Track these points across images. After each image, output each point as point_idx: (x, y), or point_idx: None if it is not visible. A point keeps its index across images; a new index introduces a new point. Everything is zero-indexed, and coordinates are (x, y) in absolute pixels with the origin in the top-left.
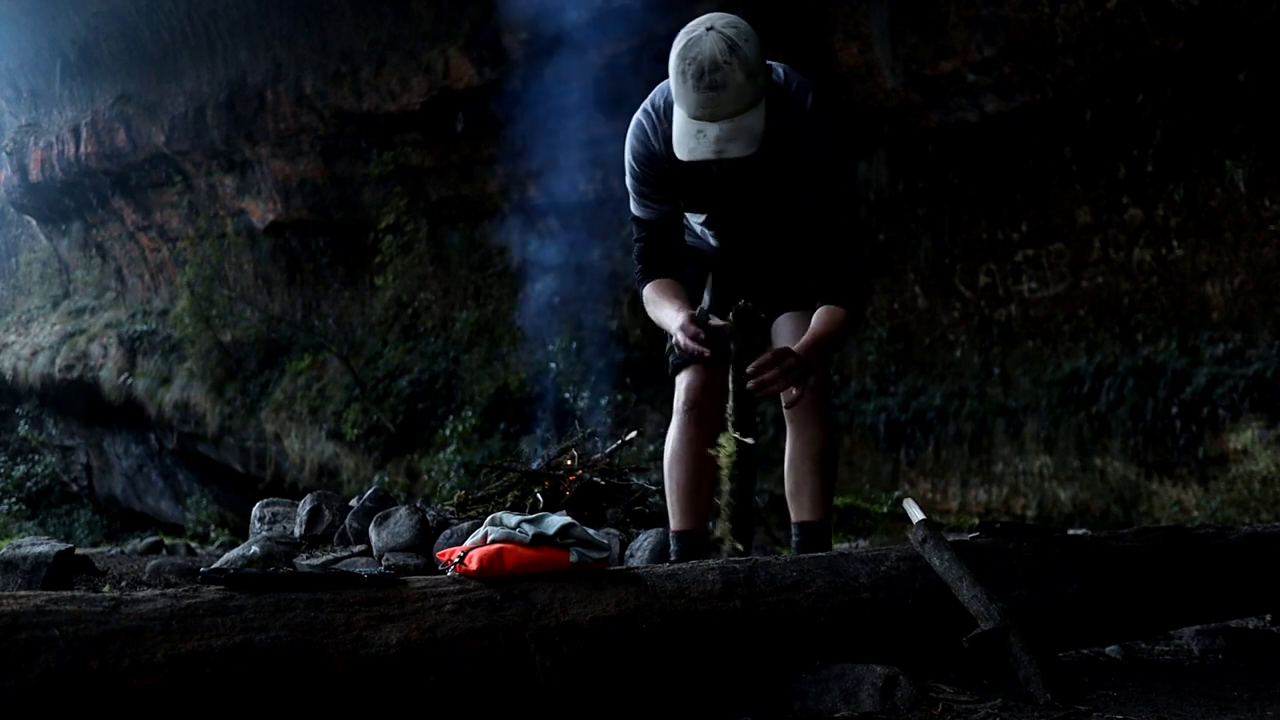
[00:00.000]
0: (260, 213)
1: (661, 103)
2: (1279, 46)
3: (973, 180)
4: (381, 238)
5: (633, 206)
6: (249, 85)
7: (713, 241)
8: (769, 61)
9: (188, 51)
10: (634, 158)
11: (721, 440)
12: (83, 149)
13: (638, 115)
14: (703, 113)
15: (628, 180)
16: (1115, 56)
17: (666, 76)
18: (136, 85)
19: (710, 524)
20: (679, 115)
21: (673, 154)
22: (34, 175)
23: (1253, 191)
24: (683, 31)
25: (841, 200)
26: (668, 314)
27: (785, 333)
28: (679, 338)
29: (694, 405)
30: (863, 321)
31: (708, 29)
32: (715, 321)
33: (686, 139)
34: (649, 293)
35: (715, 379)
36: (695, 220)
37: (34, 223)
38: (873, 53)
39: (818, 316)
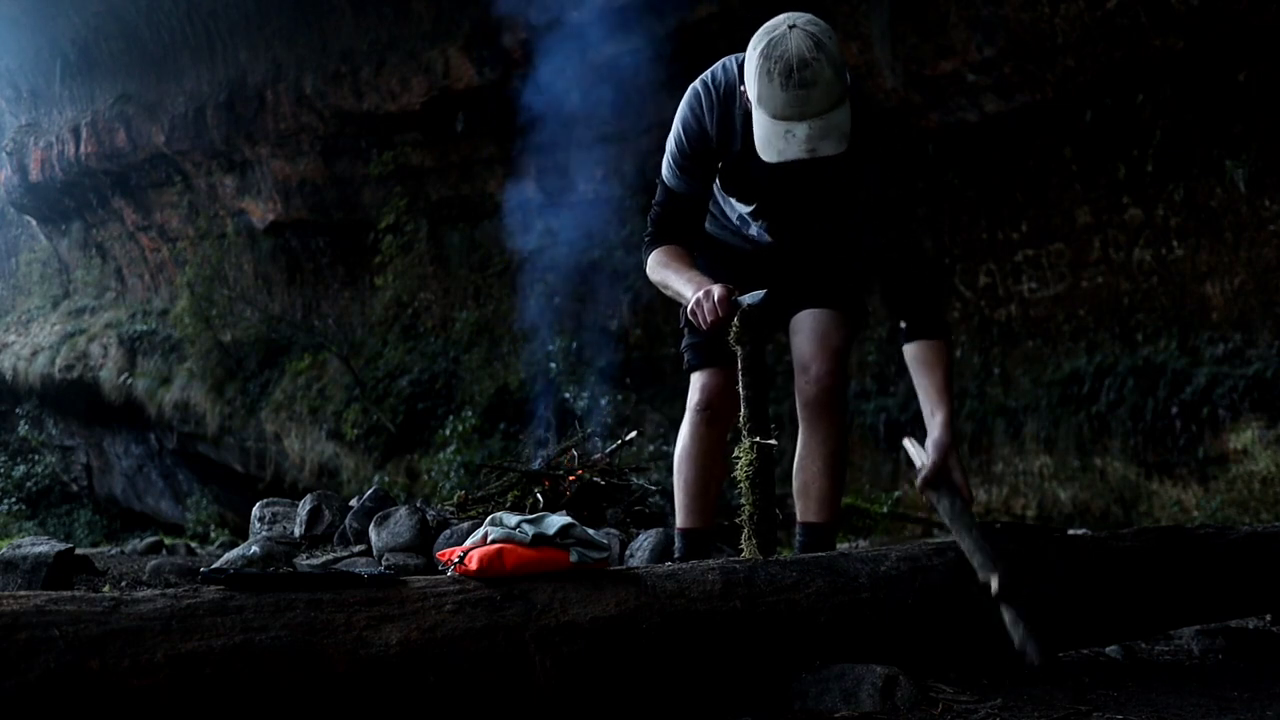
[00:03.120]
0: (260, 213)
1: (724, 82)
2: (1279, 46)
3: (973, 180)
4: (381, 238)
5: (665, 173)
6: (249, 85)
7: (752, 232)
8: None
9: (188, 51)
10: (685, 129)
11: (739, 450)
12: (83, 149)
13: (695, 86)
14: (791, 112)
15: (670, 147)
16: (1115, 56)
17: (667, 77)
18: (136, 85)
19: (716, 523)
20: (761, 117)
21: (720, 138)
22: (34, 175)
23: (1253, 191)
24: (761, 31)
25: (910, 215)
26: (681, 276)
27: (805, 329)
28: (697, 297)
29: (708, 405)
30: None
31: (790, 27)
32: (742, 300)
33: (774, 140)
34: (658, 256)
35: (731, 379)
36: (741, 209)
37: (34, 223)
38: (873, 53)
39: (924, 358)
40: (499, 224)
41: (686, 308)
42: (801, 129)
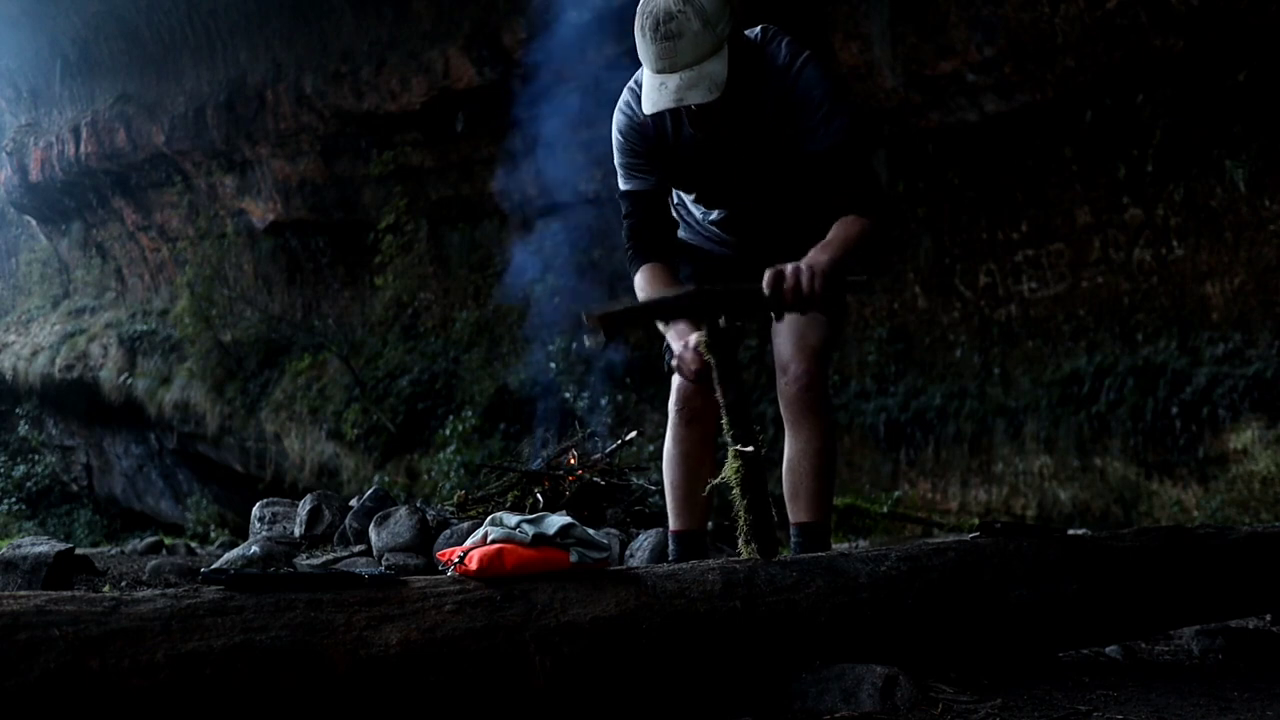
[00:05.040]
0: (260, 213)
1: (642, 76)
2: (1279, 46)
3: (973, 180)
4: (381, 238)
5: (620, 182)
6: (249, 85)
7: (712, 224)
8: (760, 27)
9: (188, 51)
10: (619, 129)
11: (728, 456)
12: (83, 149)
13: (624, 92)
14: (662, 65)
15: (615, 157)
16: (1115, 56)
17: None
18: (136, 85)
19: (709, 524)
20: (644, 73)
21: (658, 122)
22: (34, 175)
23: (1253, 191)
24: None
25: (851, 128)
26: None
27: (783, 330)
28: (679, 353)
29: (684, 404)
30: (889, 238)
31: None
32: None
33: (651, 92)
34: (641, 280)
35: (708, 377)
36: (691, 204)
37: (34, 223)
38: (873, 52)
39: (835, 227)
40: (499, 224)
41: (670, 358)
42: (673, 80)
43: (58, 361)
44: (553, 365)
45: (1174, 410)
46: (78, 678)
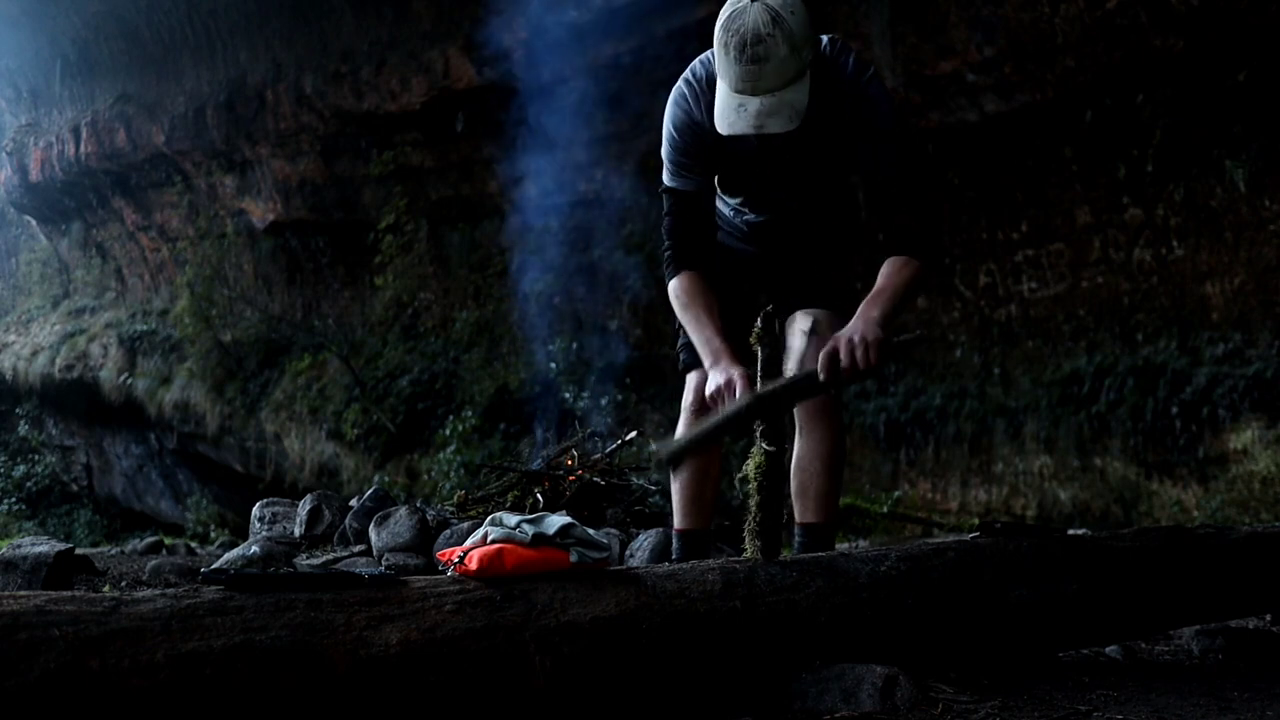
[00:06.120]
0: (260, 213)
1: (704, 73)
2: (1279, 46)
3: (973, 180)
4: (381, 238)
5: (666, 178)
6: (249, 85)
7: (744, 224)
8: (828, 38)
9: (188, 51)
10: (674, 125)
11: (752, 451)
12: (83, 149)
13: (679, 84)
14: (744, 86)
15: (665, 150)
16: (1115, 56)
17: (667, 77)
18: (136, 85)
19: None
20: (721, 88)
21: (712, 124)
22: (34, 175)
23: (1253, 191)
24: (728, 3)
25: (910, 156)
26: (701, 334)
27: (801, 330)
28: (718, 385)
29: (701, 406)
30: (934, 276)
31: (752, 0)
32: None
33: (727, 112)
34: (680, 288)
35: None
36: (731, 203)
37: (34, 223)
38: (873, 53)
39: (886, 269)
40: (499, 224)
41: (686, 356)
42: (753, 103)
43: (58, 361)
44: (553, 365)
45: (1174, 410)
46: (78, 678)
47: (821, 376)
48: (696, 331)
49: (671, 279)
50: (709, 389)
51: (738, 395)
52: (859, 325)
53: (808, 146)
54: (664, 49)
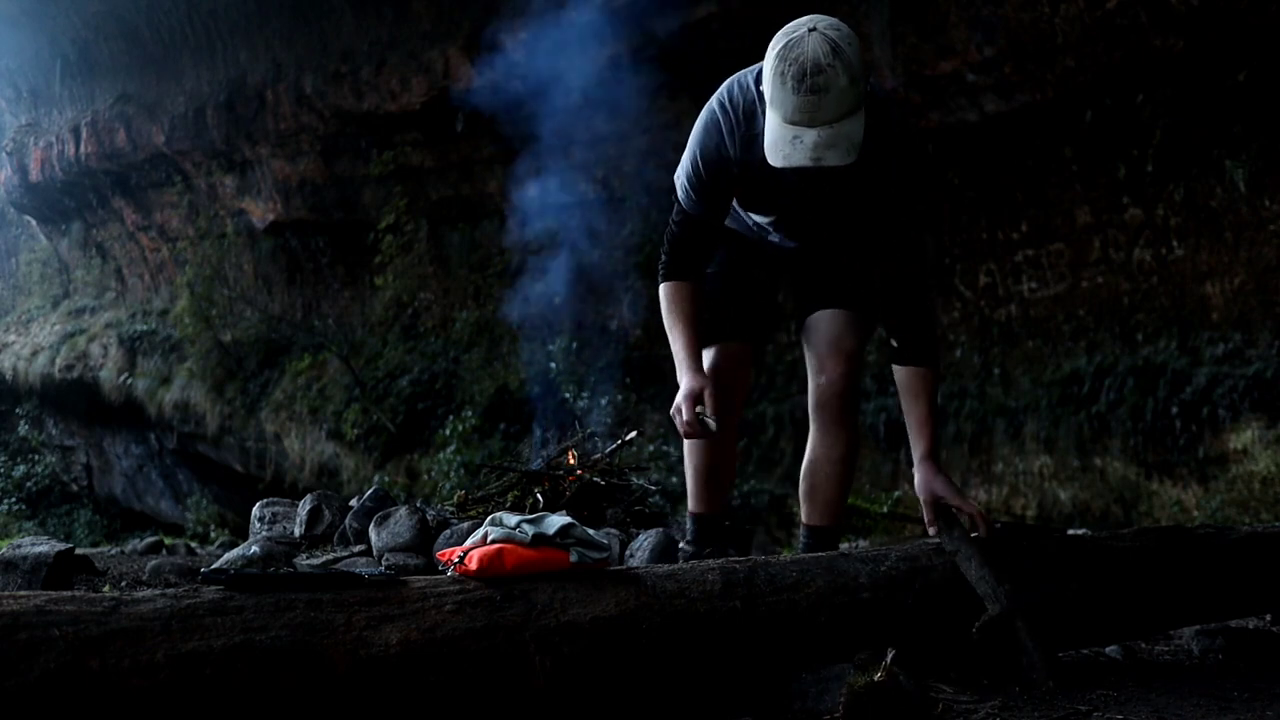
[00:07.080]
0: (260, 213)
1: (741, 101)
2: (1279, 46)
3: (973, 180)
4: (381, 238)
5: (681, 195)
6: (249, 85)
7: (771, 239)
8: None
9: (188, 51)
10: (702, 155)
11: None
12: (83, 149)
13: (714, 110)
14: (801, 117)
15: (687, 172)
16: (1115, 56)
17: (667, 77)
18: (136, 85)
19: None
20: (773, 119)
21: (745, 160)
22: (34, 175)
23: (1253, 191)
24: (781, 32)
25: (917, 236)
26: (679, 342)
27: (820, 331)
28: (677, 403)
29: (717, 378)
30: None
31: (810, 30)
32: (710, 422)
33: (781, 144)
34: (668, 295)
35: (733, 355)
36: (760, 220)
37: (34, 223)
38: (873, 53)
39: (912, 385)
40: (499, 224)
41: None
42: (810, 135)
43: (58, 361)
44: (553, 365)
45: (1174, 410)
46: (78, 678)
47: (985, 532)
48: (674, 338)
49: (663, 282)
50: (672, 408)
51: (685, 420)
52: (945, 486)
53: (848, 187)
54: (664, 49)
